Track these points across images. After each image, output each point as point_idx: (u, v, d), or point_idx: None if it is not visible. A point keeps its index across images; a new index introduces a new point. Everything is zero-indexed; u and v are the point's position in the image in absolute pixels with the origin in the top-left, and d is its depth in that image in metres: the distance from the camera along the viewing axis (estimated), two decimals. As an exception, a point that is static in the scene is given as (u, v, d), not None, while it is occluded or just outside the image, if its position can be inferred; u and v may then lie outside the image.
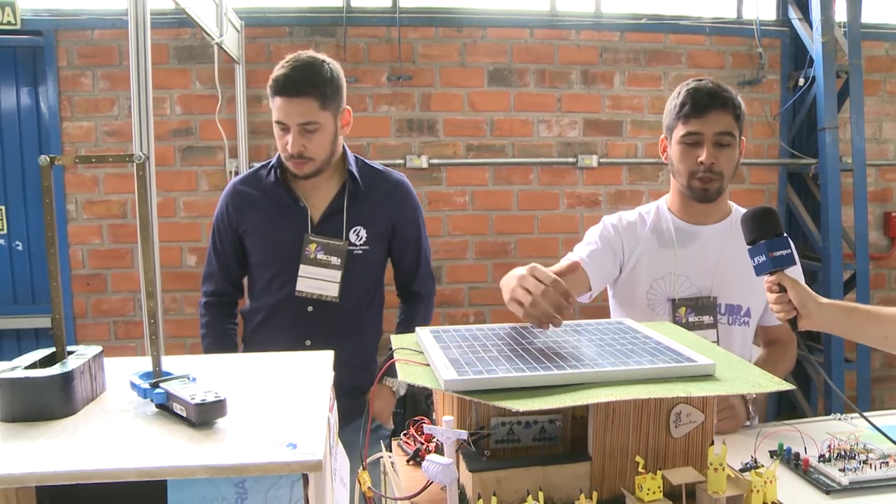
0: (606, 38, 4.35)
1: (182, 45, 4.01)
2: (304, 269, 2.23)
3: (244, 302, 2.45)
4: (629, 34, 4.36)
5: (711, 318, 2.01)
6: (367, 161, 2.40)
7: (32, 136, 4.04)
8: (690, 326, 1.98)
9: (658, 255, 2.08)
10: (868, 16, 4.38)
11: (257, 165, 2.38)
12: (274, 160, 2.31)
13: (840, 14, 4.18)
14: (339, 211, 2.27)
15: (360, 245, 2.28)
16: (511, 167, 4.32)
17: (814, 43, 4.19)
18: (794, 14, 4.42)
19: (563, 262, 1.98)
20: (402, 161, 4.18)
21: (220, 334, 2.33)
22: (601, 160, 4.37)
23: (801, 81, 4.37)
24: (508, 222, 4.35)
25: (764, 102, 4.52)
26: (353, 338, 2.30)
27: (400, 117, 4.20)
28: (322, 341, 2.22)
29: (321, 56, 2.18)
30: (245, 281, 2.43)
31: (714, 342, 1.97)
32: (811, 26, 4.25)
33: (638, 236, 2.10)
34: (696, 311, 2.00)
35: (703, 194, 2.01)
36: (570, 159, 4.35)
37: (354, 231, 2.27)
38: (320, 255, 2.23)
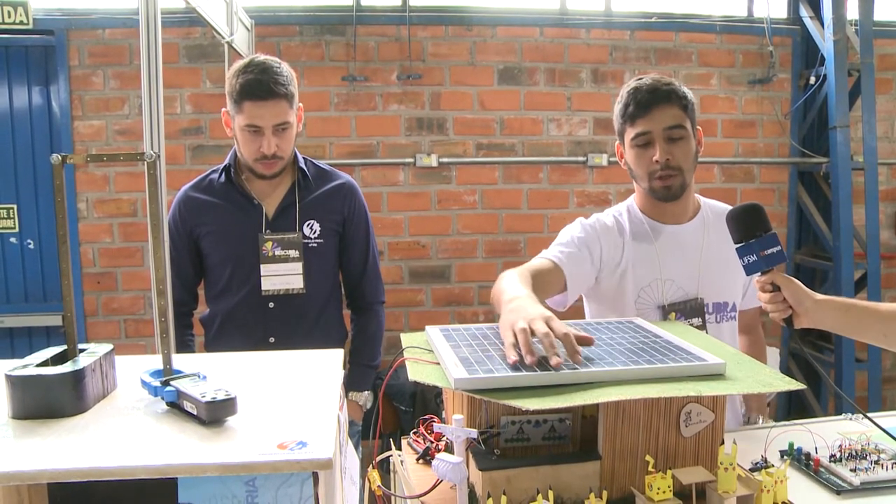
0: (616, 36, 4.34)
1: (192, 44, 4.02)
2: (265, 269, 2.28)
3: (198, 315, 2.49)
4: (639, 32, 4.35)
5: (700, 319, 1.95)
6: (314, 161, 2.45)
7: (44, 135, 4.06)
8: None
9: (642, 262, 1.98)
10: (880, 13, 4.35)
11: (205, 173, 2.41)
12: (224, 164, 2.36)
13: (852, 12, 4.15)
14: (292, 206, 2.32)
15: (315, 238, 2.32)
16: (521, 166, 4.31)
17: (825, 41, 4.17)
18: (805, 12, 4.40)
19: (540, 261, 1.92)
20: (412, 160, 4.18)
21: (177, 345, 2.34)
22: (611, 159, 4.36)
23: (812, 80, 4.34)
24: (518, 221, 4.34)
25: (774, 101, 4.50)
26: (315, 333, 2.33)
27: (410, 116, 4.20)
28: (286, 338, 2.28)
29: (273, 57, 2.24)
30: (201, 290, 2.46)
31: None
32: (822, 24, 4.23)
33: (619, 242, 2.00)
34: (686, 314, 1.93)
35: (666, 193, 1.93)
36: (580, 158, 4.34)
37: (308, 224, 2.32)
38: (278, 252, 2.28)
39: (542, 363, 1.21)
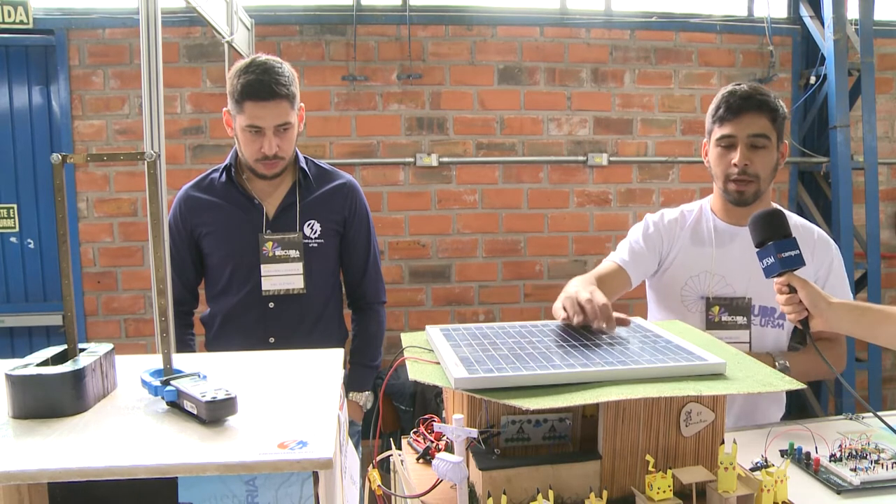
0: (616, 36, 4.34)
1: (192, 43, 4.02)
2: (265, 269, 2.28)
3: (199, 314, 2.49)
4: (639, 32, 4.35)
5: (745, 319, 2.01)
6: (315, 161, 2.45)
7: (44, 134, 4.06)
8: (723, 326, 2.01)
9: (694, 253, 2.09)
10: (880, 13, 4.35)
11: (205, 173, 2.41)
12: (225, 164, 2.36)
13: (852, 11, 4.15)
14: (293, 206, 2.32)
15: (315, 238, 2.32)
16: (521, 165, 4.31)
17: (825, 40, 4.17)
18: (805, 11, 4.40)
19: (607, 264, 2.10)
20: (412, 159, 4.18)
21: (177, 344, 2.34)
22: (611, 158, 4.36)
23: (813, 79, 4.35)
24: (518, 221, 4.35)
25: (775, 100, 4.49)
26: (316, 334, 2.33)
27: (410, 115, 4.20)
28: (286, 338, 2.28)
29: (274, 58, 2.23)
30: (201, 289, 2.46)
31: (746, 343, 2.01)
32: (823, 24, 4.22)
33: (676, 234, 2.13)
34: (730, 311, 2.01)
35: (738, 197, 2.01)
36: (580, 158, 4.34)
37: (308, 224, 2.32)
38: (278, 252, 2.28)
39: (547, 362, 1.21)
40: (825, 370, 2.02)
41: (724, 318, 2.01)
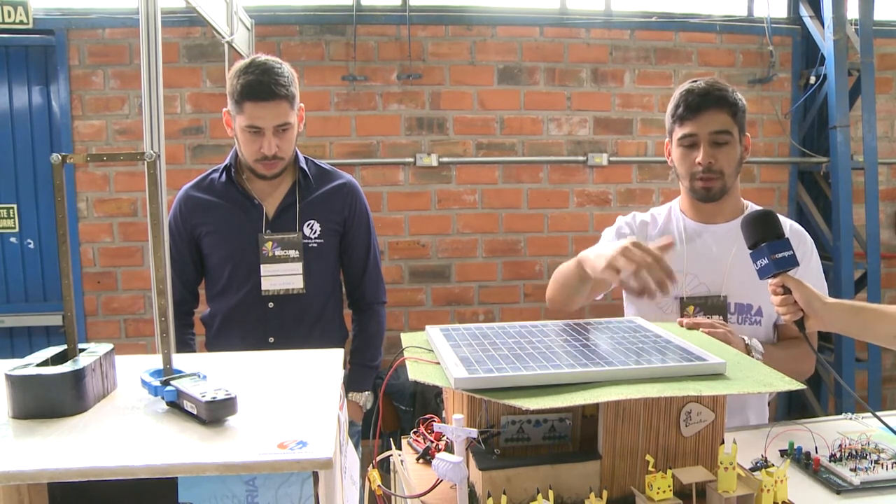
0: (616, 36, 4.34)
1: (192, 43, 4.02)
2: (265, 269, 2.28)
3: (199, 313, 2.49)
4: (639, 32, 4.35)
5: (721, 317, 1.99)
6: (316, 161, 2.45)
7: (44, 134, 4.06)
8: None
9: (667, 255, 2.07)
10: (880, 13, 4.35)
11: (205, 173, 2.41)
12: (224, 164, 2.36)
13: (852, 11, 4.15)
14: (293, 206, 2.32)
15: (315, 238, 2.33)
16: (521, 165, 4.31)
17: (825, 40, 4.17)
18: (805, 11, 4.40)
19: None
20: (412, 159, 4.18)
21: (178, 344, 2.34)
22: (611, 158, 4.36)
23: (812, 79, 4.34)
24: (518, 221, 4.35)
25: (775, 101, 4.50)
26: (315, 334, 2.34)
27: (410, 115, 4.20)
28: (286, 338, 2.29)
29: (274, 58, 2.23)
30: (201, 289, 2.46)
31: None
32: (822, 24, 4.23)
33: (648, 235, 2.12)
34: (706, 309, 1.98)
35: (705, 194, 2.01)
36: (580, 158, 4.34)
37: (308, 225, 2.32)
38: (278, 252, 2.28)
39: (547, 362, 1.21)
40: (795, 370, 1.93)
41: (700, 317, 1.98)
